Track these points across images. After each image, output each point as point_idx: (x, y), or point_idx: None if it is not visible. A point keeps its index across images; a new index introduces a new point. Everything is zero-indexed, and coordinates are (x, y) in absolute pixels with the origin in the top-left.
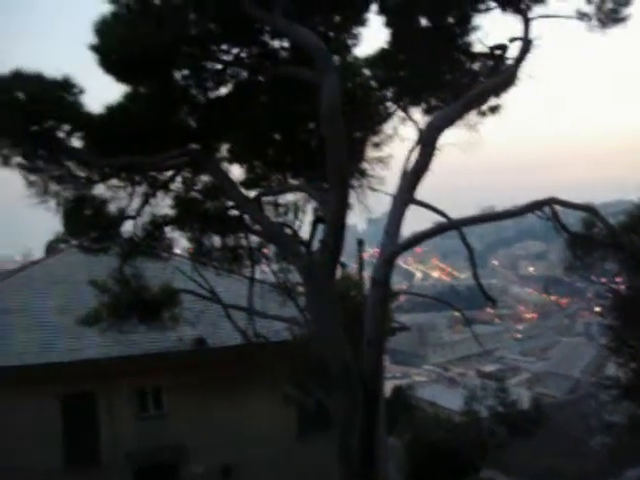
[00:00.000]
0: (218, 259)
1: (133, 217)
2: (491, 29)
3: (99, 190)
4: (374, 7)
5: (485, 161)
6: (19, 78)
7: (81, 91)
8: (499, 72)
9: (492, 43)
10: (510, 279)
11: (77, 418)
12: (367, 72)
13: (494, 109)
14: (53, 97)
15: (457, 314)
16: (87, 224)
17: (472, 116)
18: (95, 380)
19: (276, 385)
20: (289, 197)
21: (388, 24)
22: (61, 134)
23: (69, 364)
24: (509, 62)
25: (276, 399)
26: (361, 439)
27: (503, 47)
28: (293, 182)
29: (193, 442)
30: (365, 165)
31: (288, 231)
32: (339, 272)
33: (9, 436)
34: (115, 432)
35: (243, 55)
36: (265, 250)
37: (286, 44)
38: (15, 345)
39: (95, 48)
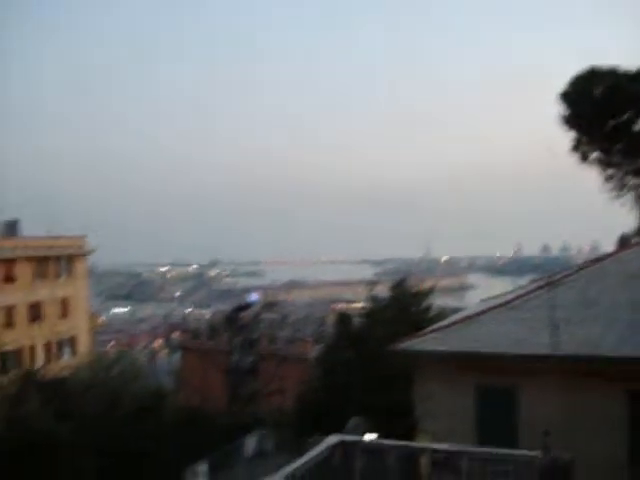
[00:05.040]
0: None
1: None
2: None
3: None
4: None
5: None
6: (594, 74)
7: None
8: None
9: None
10: None
11: None
12: None
13: None
14: (628, 91)
15: None
16: None
17: None
18: None
19: None
20: None
21: None
22: (637, 127)
23: None
24: None
25: None
26: None
27: None
28: None
29: None
30: None
31: None
32: None
33: (574, 424)
34: None
35: None
36: None
37: None
38: (585, 336)
39: None
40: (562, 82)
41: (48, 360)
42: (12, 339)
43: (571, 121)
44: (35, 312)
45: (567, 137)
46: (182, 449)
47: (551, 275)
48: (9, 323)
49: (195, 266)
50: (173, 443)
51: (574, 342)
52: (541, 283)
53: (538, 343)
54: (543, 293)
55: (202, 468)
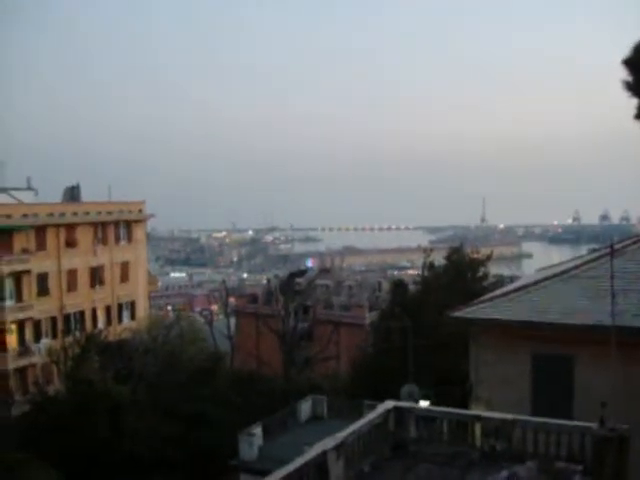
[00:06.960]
0: None
1: None
2: None
3: None
4: None
5: None
6: None
7: None
8: None
9: None
10: None
11: None
12: None
13: None
14: None
15: None
16: None
17: None
18: None
19: None
20: None
21: None
22: None
23: None
24: None
25: None
26: None
27: None
28: None
29: None
30: None
31: None
32: None
33: (631, 395)
34: None
35: None
36: None
37: None
38: None
39: None
40: None
41: (109, 323)
42: (74, 302)
43: (634, 88)
44: (96, 276)
45: (632, 105)
46: (237, 412)
47: (611, 244)
48: (71, 286)
49: (252, 232)
50: (229, 405)
51: (633, 313)
52: (600, 253)
53: (596, 313)
54: (602, 263)
55: (256, 431)
